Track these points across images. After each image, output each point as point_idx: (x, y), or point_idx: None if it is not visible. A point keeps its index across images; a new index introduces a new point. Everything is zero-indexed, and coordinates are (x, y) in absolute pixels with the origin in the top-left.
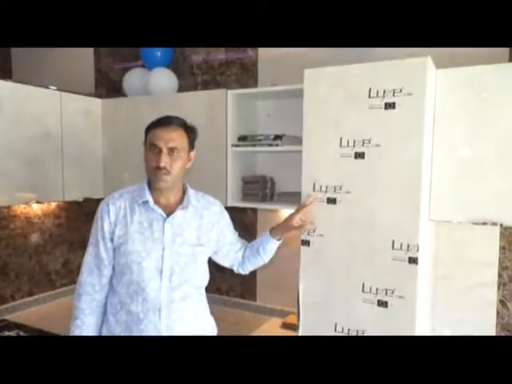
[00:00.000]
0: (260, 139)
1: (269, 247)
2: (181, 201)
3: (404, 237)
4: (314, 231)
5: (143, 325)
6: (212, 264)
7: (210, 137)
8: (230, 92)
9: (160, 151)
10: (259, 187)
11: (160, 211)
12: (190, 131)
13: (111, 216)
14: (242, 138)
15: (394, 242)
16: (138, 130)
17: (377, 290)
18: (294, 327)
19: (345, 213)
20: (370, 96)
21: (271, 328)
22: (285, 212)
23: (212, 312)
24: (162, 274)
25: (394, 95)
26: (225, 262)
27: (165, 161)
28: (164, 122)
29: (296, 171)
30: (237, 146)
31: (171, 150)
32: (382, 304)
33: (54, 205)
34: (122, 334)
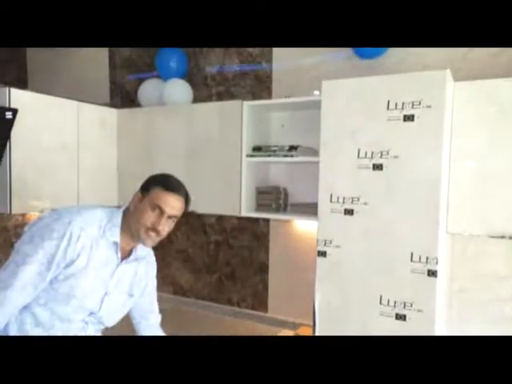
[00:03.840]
0: (274, 150)
1: None
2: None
3: (423, 249)
4: (330, 242)
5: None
6: (223, 274)
7: (225, 147)
8: (246, 103)
9: (161, 215)
10: (273, 198)
11: (119, 254)
12: (188, 202)
13: (78, 244)
14: (257, 149)
15: (412, 254)
16: (152, 139)
17: (395, 302)
18: None
19: (362, 224)
20: (388, 108)
21: None
22: (298, 223)
23: (223, 323)
24: (95, 317)
25: (412, 107)
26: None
27: (163, 225)
28: (175, 188)
29: (309, 182)
30: (251, 156)
31: (170, 217)
32: (401, 317)
33: None
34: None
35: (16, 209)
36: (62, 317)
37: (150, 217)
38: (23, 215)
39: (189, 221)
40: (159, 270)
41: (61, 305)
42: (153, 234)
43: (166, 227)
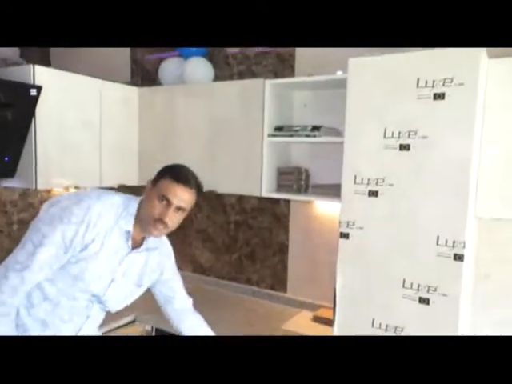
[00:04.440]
0: (297, 130)
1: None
2: (144, 238)
3: (450, 233)
4: (353, 224)
5: (65, 321)
6: (243, 254)
7: (246, 127)
8: (268, 82)
9: (169, 206)
10: (294, 178)
11: (130, 243)
12: (200, 193)
13: (95, 230)
14: (279, 129)
15: (438, 237)
16: (173, 118)
17: (418, 286)
18: (326, 321)
19: (387, 206)
20: (418, 86)
21: (302, 321)
22: (319, 205)
23: (242, 302)
24: (98, 299)
25: (444, 85)
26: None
27: (170, 217)
28: (184, 181)
29: (331, 163)
30: (273, 136)
31: (178, 209)
32: (424, 301)
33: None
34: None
35: (41, 185)
36: (68, 295)
37: (157, 207)
38: (48, 191)
39: (209, 201)
40: (179, 249)
41: (67, 285)
42: (160, 226)
43: (173, 219)
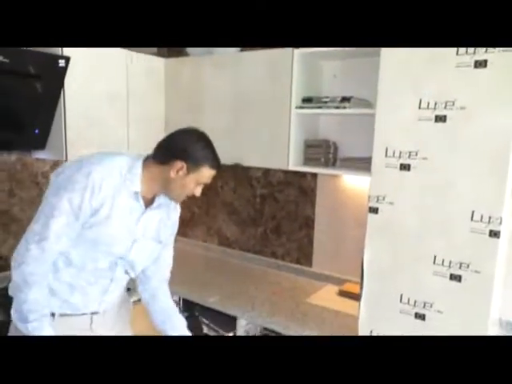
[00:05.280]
0: (326, 101)
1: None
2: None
3: (485, 208)
4: (383, 198)
5: (91, 284)
6: (268, 227)
7: (273, 98)
8: (297, 51)
9: (200, 185)
10: (322, 151)
11: (142, 202)
12: None
13: (101, 194)
14: (307, 100)
15: (473, 213)
16: (199, 89)
17: (450, 262)
18: (352, 295)
19: (419, 180)
20: (457, 53)
21: (327, 295)
22: (346, 178)
23: (267, 276)
24: (123, 261)
25: (486, 52)
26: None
27: (199, 192)
28: (219, 166)
29: (361, 136)
30: (301, 107)
31: None
32: (455, 278)
33: None
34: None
35: (71, 156)
36: (91, 258)
37: (192, 188)
38: None
39: (235, 174)
40: (205, 222)
41: (89, 249)
42: (185, 198)
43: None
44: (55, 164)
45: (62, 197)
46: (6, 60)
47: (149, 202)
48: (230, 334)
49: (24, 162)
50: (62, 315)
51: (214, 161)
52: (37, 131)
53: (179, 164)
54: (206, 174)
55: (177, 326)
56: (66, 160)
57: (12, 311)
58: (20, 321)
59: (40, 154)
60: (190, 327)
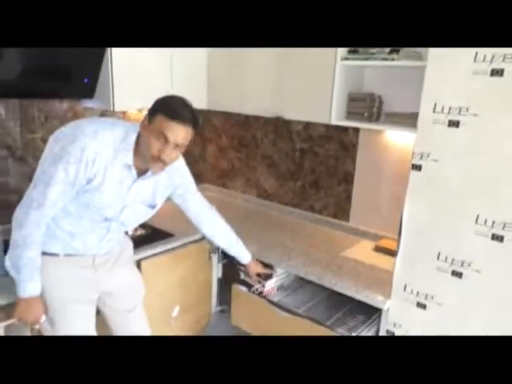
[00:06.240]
0: (373, 52)
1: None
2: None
3: None
4: (428, 156)
5: (89, 232)
6: (307, 182)
7: (317, 48)
8: None
9: (166, 144)
10: (366, 106)
11: (134, 172)
12: (198, 128)
13: (94, 167)
14: (353, 51)
15: None
16: None
17: (493, 223)
18: (388, 251)
19: (468, 138)
20: None
21: (363, 250)
22: (390, 134)
23: (303, 229)
24: (115, 221)
25: None
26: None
27: (168, 154)
28: (181, 117)
29: (408, 90)
30: (347, 59)
31: (176, 146)
32: (497, 238)
33: None
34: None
35: (118, 107)
36: (86, 215)
37: (154, 145)
38: (124, 113)
39: (276, 127)
40: (244, 173)
41: (82, 210)
42: (159, 163)
43: (171, 156)
44: (103, 114)
45: (57, 167)
46: None
47: (143, 172)
48: (267, 283)
49: (75, 110)
50: (66, 255)
51: (171, 110)
52: (86, 80)
53: (144, 119)
54: (163, 123)
55: (233, 244)
56: (113, 110)
57: (6, 257)
58: (13, 268)
59: (89, 103)
60: (228, 274)
